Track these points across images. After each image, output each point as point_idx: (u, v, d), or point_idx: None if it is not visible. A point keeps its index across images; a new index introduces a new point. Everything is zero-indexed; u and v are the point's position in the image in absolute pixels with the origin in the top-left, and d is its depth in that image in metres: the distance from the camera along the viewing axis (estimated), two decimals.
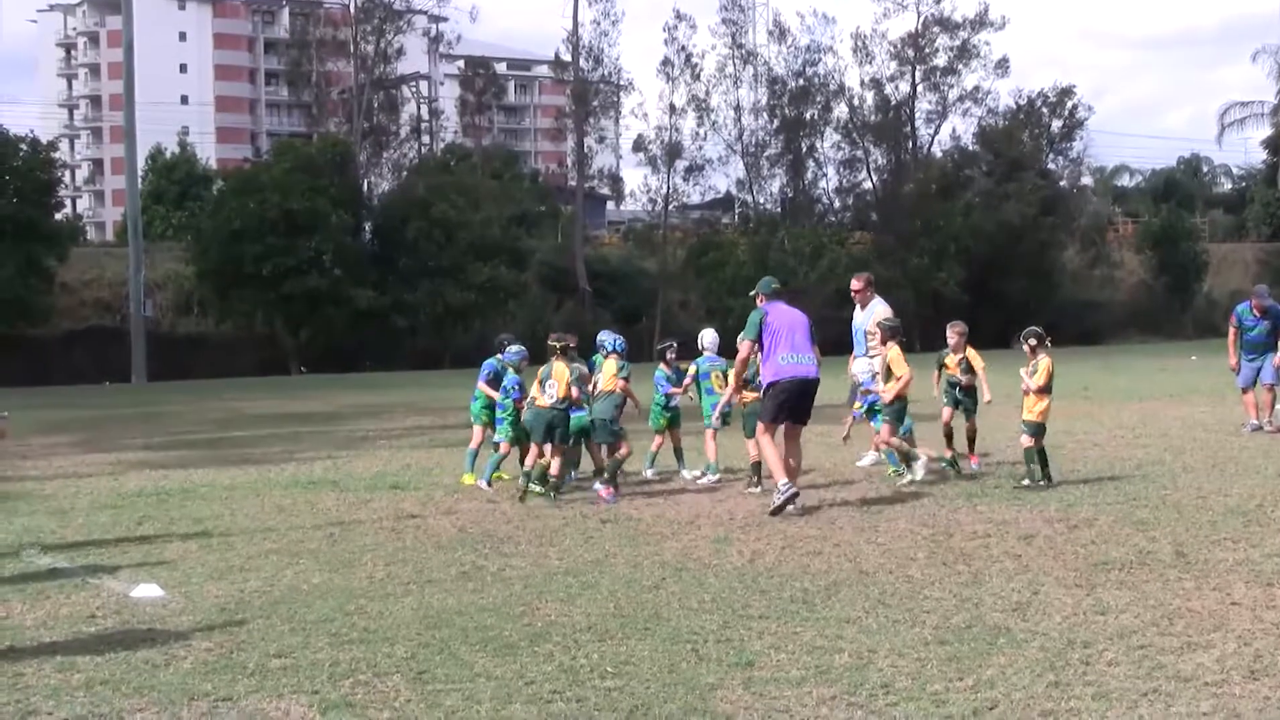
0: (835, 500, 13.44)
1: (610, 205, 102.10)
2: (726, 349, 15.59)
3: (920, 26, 78.14)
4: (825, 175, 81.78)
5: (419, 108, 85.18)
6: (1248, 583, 8.94)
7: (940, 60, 78.95)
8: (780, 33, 79.42)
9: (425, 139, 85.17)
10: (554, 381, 14.14)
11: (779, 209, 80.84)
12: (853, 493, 13.90)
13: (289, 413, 31.25)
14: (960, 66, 78.76)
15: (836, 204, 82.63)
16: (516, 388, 15.27)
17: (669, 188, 78.80)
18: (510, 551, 11.07)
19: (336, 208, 66.04)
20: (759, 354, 13.40)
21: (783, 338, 13.13)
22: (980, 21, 77.76)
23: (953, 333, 15.30)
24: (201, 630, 8.44)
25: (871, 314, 15.85)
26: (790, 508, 12.41)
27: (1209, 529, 11.00)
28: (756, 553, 10.65)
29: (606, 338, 15.15)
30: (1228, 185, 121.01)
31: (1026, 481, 13.61)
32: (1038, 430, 13.76)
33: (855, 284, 16.39)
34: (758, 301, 13.60)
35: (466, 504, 14.02)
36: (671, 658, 7.51)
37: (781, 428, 13.33)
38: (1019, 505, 12.61)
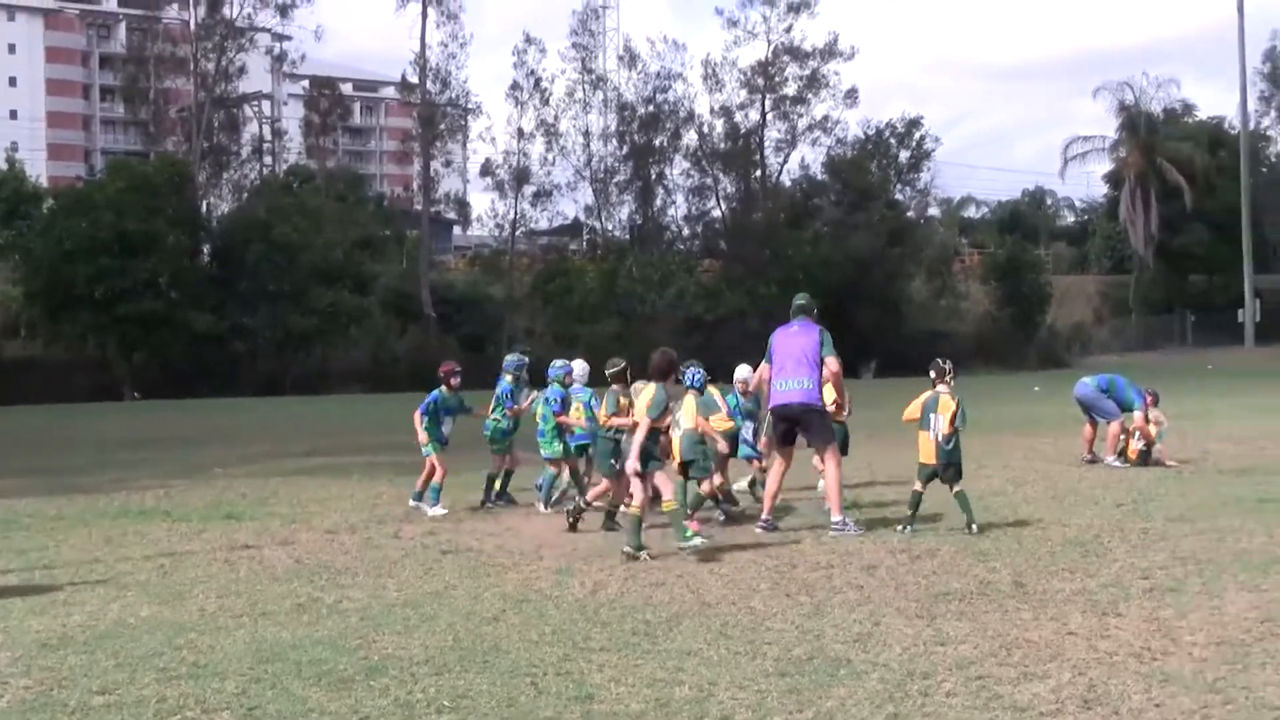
0: None
1: (457, 230, 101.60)
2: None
3: (770, 55, 78.93)
4: (674, 203, 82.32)
5: (261, 127, 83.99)
6: (1084, 612, 9.05)
7: (790, 89, 79.76)
8: (630, 58, 79.90)
9: (267, 160, 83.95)
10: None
11: (628, 236, 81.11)
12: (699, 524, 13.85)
13: (121, 439, 30.51)
14: (810, 96, 79.62)
15: (685, 231, 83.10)
16: (558, 400, 15.26)
17: (516, 213, 78.71)
18: (347, 583, 10.86)
19: (174, 229, 64.70)
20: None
21: (776, 364, 13.28)
22: (830, 51, 78.74)
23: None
24: (20, 667, 8.15)
25: None
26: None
27: (1048, 559, 11.15)
28: (599, 584, 10.56)
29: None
30: (1070, 218, 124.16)
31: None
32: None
33: None
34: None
35: (304, 534, 13.74)
36: (510, 691, 7.40)
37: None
38: (862, 536, 12.66)
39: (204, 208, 73.32)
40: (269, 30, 79.14)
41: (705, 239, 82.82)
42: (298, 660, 8.16)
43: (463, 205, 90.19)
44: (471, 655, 8.21)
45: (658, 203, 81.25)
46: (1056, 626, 8.66)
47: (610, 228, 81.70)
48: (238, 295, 66.10)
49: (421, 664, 8.02)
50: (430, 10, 75.66)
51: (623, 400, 13.65)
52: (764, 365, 13.69)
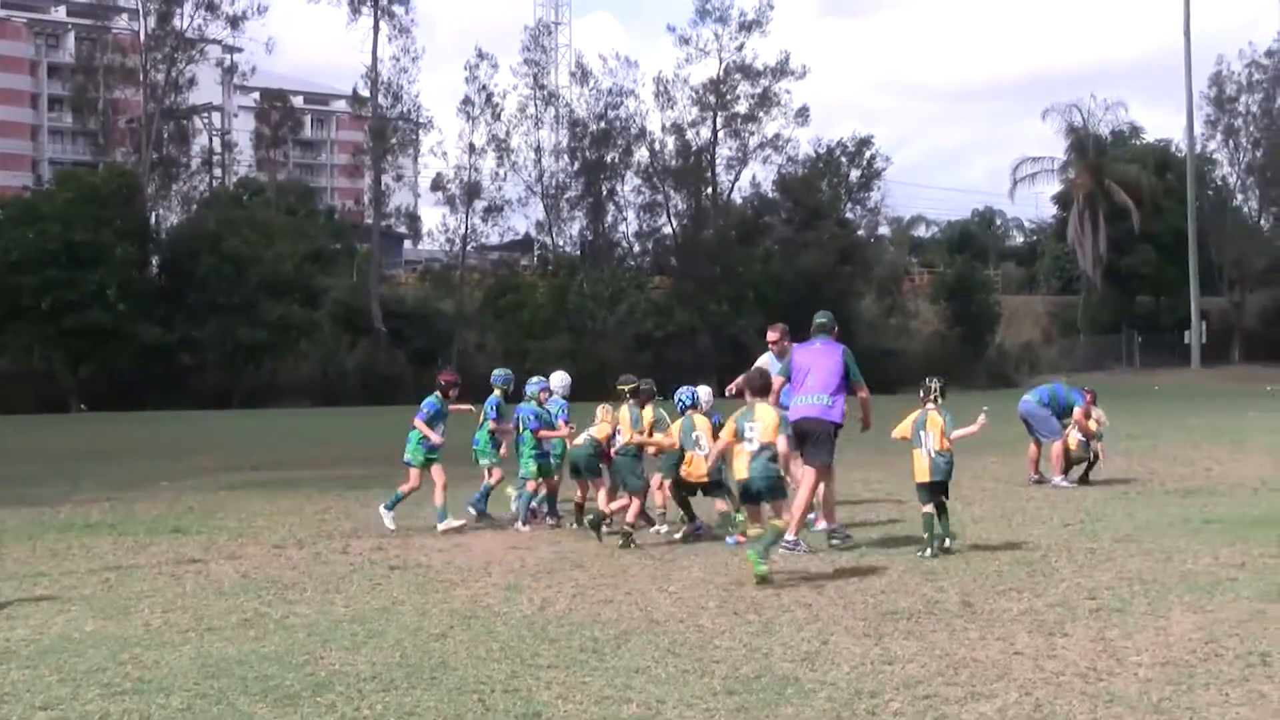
0: (629, 547, 13.36)
1: (407, 244, 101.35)
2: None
3: (722, 73, 79.21)
4: (625, 219, 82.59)
5: (211, 139, 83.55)
6: (1030, 632, 9.09)
7: (741, 107, 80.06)
8: (582, 75, 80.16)
9: (217, 172, 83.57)
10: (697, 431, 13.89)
11: (578, 252, 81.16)
12: (647, 540, 13.86)
13: (67, 452, 30.24)
14: (761, 114, 79.96)
15: (636, 248, 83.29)
16: (533, 418, 15.24)
17: (467, 228, 78.65)
18: (295, 598, 10.79)
19: (122, 240, 64.38)
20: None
21: (796, 380, 13.38)
22: (781, 70, 79.09)
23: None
24: None
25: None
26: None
27: (995, 579, 11.19)
28: (547, 600, 10.53)
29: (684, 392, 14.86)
30: (1020, 239, 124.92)
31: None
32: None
33: (772, 335, 16.15)
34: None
35: (251, 549, 13.64)
36: (457, 708, 7.37)
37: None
38: (811, 554, 12.68)
39: (153, 219, 72.95)
40: (220, 42, 78.81)
41: (656, 256, 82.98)
42: (244, 676, 8.10)
43: (414, 219, 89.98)
44: (419, 672, 8.17)
45: (609, 219, 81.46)
46: (1003, 646, 8.69)
47: (561, 244, 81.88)
48: (186, 307, 65.80)
49: (369, 680, 7.97)
50: (382, 24, 75.72)
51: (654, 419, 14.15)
52: (778, 379, 13.58)
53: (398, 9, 76.58)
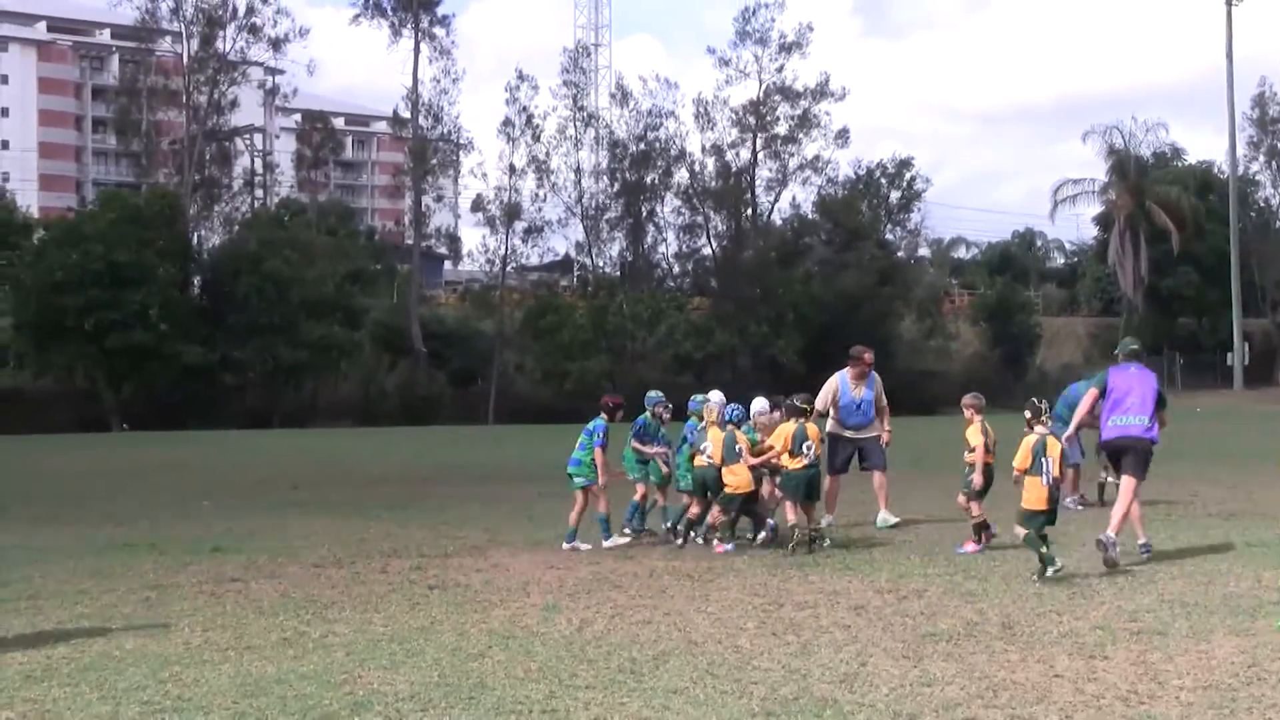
0: (668, 568, 13.36)
1: (447, 265, 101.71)
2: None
3: (762, 95, 79.25)
4: (665, 240, 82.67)
5: (252, 160, 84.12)
6: (1071, 655, 9.03)
7: (781, 129, 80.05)
8: (622, 96, 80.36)
9: (259, 192, 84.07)
10: (811, 443, 14.26)
11: (618, 272, 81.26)
12: (686, 560, 13.84)
13: (108, 471, 30.40)
14: (801, 135, 79.89)
15: (676, 269, 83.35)
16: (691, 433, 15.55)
17: (507, 248, 78.86)
18: (334, 617, 10.81)
19: (164, 261, 64.88)
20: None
21: (1115, 400, 13.78)
22: (821, 92, 79.06)
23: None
24: (3, 699, 8.11)
25: (873, 386, 17.16)
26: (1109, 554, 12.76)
27: (1036, 600, 11.13)
28: (585, 621, 10.52)
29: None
30: (1060, 260, 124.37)
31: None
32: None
33: (867, 356, 17.19)
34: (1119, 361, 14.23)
35: (291, 568, 13.68)
36: None
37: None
38: (850, 575, 12.64)
39: (195, 240, 73.54)
40: (262, 64, 79.48)
41: (696, 277, 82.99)
42: (283, 695, 8.12)
43: (454, 240, 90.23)
44: (457, 692, 8.17)
45: (648, 240, 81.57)
46: (1043, 669, 8.64)
47: (601, 264, 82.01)
48: (228, 327, 66.21)
49: (407, 700, 7.98)
50: (423, 46, 76.28)
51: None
52: (1086, 402, 14.32)
53: (439, 31, 77.36)
